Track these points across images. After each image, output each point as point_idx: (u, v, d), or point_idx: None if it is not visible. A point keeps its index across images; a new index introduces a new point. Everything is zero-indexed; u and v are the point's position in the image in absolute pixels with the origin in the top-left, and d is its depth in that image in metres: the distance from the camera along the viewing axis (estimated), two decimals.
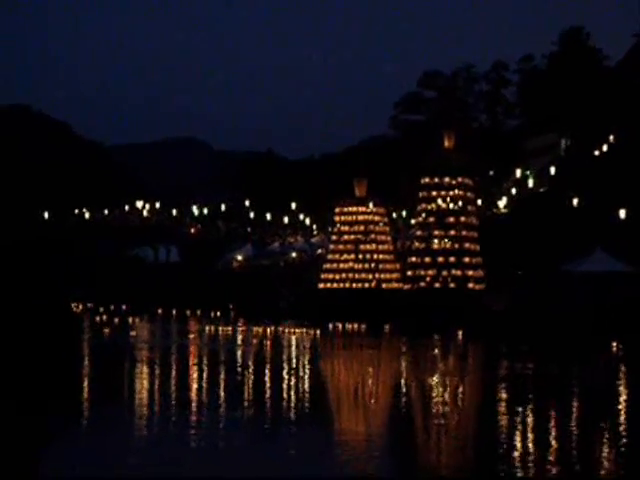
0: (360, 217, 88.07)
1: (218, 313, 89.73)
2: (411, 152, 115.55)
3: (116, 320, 79.72)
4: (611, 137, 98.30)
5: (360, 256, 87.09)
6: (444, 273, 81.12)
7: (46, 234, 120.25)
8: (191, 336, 61.98)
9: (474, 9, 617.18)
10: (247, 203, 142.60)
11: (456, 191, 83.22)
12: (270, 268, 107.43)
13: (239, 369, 41.09)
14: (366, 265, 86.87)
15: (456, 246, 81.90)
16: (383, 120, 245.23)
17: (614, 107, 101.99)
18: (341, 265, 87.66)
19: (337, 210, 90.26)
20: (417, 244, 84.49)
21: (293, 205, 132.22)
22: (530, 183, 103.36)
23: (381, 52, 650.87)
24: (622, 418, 27.51)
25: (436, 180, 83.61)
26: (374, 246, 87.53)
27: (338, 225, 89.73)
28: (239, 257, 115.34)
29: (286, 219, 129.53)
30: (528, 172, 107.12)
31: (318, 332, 65.05)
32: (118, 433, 24.71)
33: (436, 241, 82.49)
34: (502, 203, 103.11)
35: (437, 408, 29.12)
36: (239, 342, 57.59)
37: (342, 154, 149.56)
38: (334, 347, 55.66)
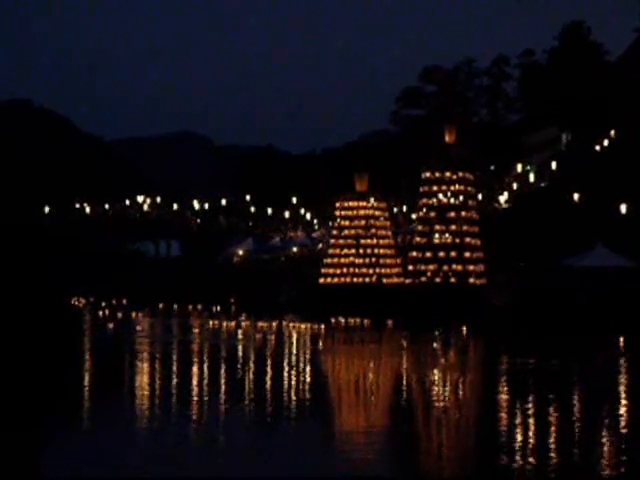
0: (361, 212, 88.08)
1: (219, 307, 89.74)
2: (412, 147, 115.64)
3: (118, 315, 79.69)
4: (612, 132, 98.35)
5: (361, 251, 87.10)
6: (445, 268, 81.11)
7: (46, 228, 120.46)
8: (195, 330, 62.03)
9: (475, 3, 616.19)
10: (248, 198, 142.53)
11: (457, 186, 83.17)
12: (271, 263, 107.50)
13: (241, 363, 41.09)
14: (367, 260, 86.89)
15: (457, 241, 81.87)
16: (384, 115, 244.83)
17: (615, 102, 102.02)
18: (342, 260, 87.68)
19: (338, 205, 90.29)
20: (418, 239, 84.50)
21: (294, 200, 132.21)
22: (531, 178, 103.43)
23: (382, 47, 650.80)
24: (622, 412, 27.53)
25: (437, 175, 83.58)
26: (375, 241, 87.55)
27: (339, 220, 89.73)
28: (240, 252, 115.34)
29: (287, 214, 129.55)
30: (529, 167, 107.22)
31: (319, 327, 65.03)
32: (118, 430, 24.65)
33: (437, 236, 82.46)
34: (503, 198, 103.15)
35: (438, 402, 29.15)
36: (240, 337, 57.58)
37: (343, 149, 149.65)
38: (335, 341, 55.64)
